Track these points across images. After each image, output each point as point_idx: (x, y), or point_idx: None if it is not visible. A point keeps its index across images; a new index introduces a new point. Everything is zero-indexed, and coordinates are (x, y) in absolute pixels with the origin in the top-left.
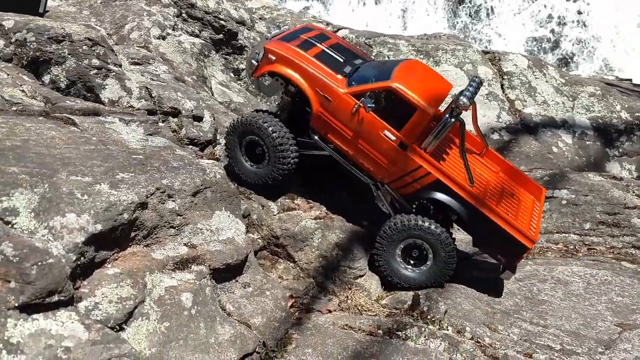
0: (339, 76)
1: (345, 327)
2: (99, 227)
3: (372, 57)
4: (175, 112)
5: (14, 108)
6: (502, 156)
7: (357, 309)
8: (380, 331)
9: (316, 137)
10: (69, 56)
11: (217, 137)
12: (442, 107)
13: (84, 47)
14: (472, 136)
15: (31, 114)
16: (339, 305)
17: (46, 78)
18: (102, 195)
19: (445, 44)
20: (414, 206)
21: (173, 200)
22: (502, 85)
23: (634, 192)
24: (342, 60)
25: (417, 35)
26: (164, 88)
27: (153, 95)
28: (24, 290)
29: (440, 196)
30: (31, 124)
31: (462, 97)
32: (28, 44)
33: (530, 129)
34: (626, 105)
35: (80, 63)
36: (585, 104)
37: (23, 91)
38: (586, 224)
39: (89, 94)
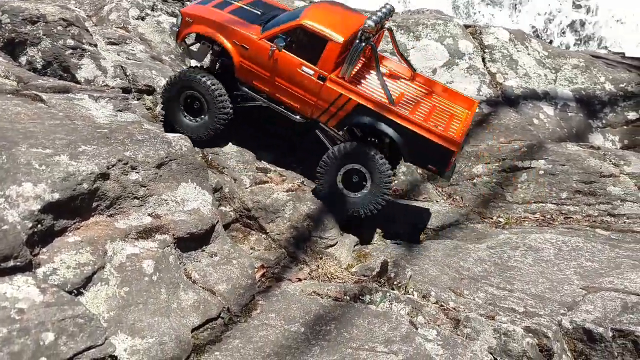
0: (254, 25)
1: (313, 294)
2: (57, 195)
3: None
4: (150, 90)
5: None
6: (431, 79)
7: (327, 276)
8: (346, 297)
9: (245, 88)
10: (44, 37)
11: None
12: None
13: (59, 28)
14: (398, 63)
15: (0, 92)
16: (310, 274)
17: (23, 59)
18: (61, 165)
19: (426, 19)
20: (342, 133)
21: (137, 172)
22: (483, 59)
23: (610, 161)
24: (259, 13)
25: (401, 11)
26: (139, 67)
27: (127, 73)
28: None
29: (364, 119)
30: None
31: (367, 21)
32: (3, 25)
33: (511, 102)
34: (610, 77)
35: (55, 43)
36: (568, 75)
37: None
38: (563, 193)
39: (65, 74)
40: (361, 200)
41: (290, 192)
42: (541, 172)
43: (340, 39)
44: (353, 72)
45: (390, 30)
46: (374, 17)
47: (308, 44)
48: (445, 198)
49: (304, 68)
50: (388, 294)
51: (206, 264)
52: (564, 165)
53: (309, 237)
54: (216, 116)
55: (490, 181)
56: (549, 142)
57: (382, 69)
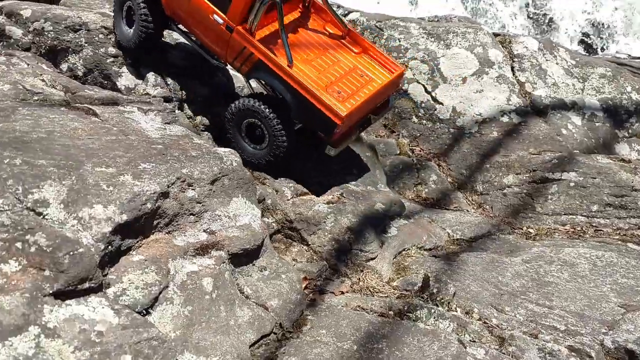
0: None
1: (358, 309)
2: (125, 217)
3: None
4: (190, 99)
5: (35, 98)
6: (364, 39)
7: (369, 290)
8: (391, 312)
9: (174, 26)
10: (86, 45)
11: None
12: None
13: (100, 36)
14: (333, 20)
15: (53, 104)
16: (351, 287)
17: (64, 66)
18: (127, 186)
19: (456, 27)
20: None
21: (193, 189)
22: (512, 68)
23: None
24: None
25: (427, 17)
26: (178, 75)
27: (168, 82)
28: (57, 278)
29: (262, 75)
30: (54, 115)
31: None
32: (46, 33)
33: (539, 112)
34: (637, 86)
35: (97, 51)
36: (596, 85)
37: (43, 80)
38: (593, 205)
39: (105, 82)
40: (260, 153)
41: (330, 204)
42: (572, 184)
43: None
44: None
45: None
46: None
47: None
48: (475, 207)
49: (215, 16)
50: (433, 310)
51: (257, 279)
52: (595, 178)
53: (350, 249)
54: (138, 30)
55: (520, 192)
56: (579, 155)
57: (318, 26)
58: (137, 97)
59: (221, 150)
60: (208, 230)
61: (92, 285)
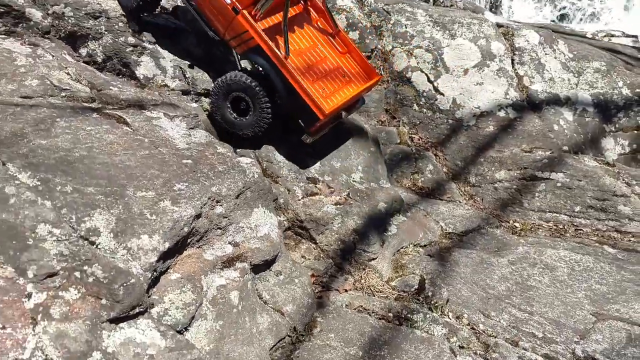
0: None
1: (361, 310)
2: (167, 244)
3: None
4: (208, 93)
5: (63, 94)
6: (351, 41)
7: (370, 289)
8: (390, 314)
9: None
10: (106, 32)
11: None
12: None
13: (120, 24)
14: (327, 19)
15: (84, 108)
16: (354, 285)
17: (83, 51)
18: (167, 213)
19: (462, 17)
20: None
21: (221, 205)
22: (512, 61)
23: (623, 180)
24: None
25: (432, 0)
26: (197, 68)
27: (187, 75)
28: (114, 307)
29: (258, 59)
30: (90, 127)
31: None
32: (66, 18)
33: (535, 106)
34: (628, 82)
35: (116, 40)
36: (590, 80)
37: (68, 74)
38: (577, 206)
39: (124, 69)
40: (244, 124)
41: (338, 206)
42: (559, 184)
43: None
44: (278, 19)
45: None
46: None
47: None
48: (467, 199)
49: None
50: (427, 315)
51: (273, 284)
52: (580, 180)
53: (354, 249)
54: None
55: (510, 187)
56: (568, 156)
57: (312, 22)
58: (159, 94)
59: (243, 161)
60: (233, 242)
61: (141, 309)
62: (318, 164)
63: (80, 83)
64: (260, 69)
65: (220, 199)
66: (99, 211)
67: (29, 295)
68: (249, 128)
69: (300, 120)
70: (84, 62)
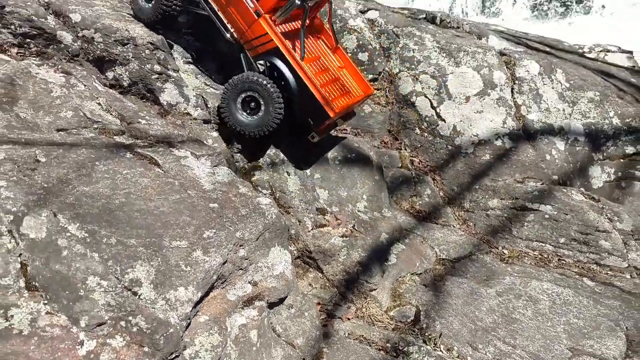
0: None
1: (362, 340)
2: (199, 294)
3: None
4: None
5: (95, 126)
6: (348, 57)
7: (370, 319)
8: (388, 344)
9: None
10: (133, 59)
11: (263, 147)
12: None
13: (147, 52)
14: (328, 34)
15: (118, 146)
16: (356, 313)
17: (110, 74)
18: (199, 264)
19: (468, 45)
20: (260, 66)
21: (243, 248)
22: (512, 90)
23: (606, 216)
24: None
25: (440, 16)
26: (217, 96)
27: (209, 105)
28: (155, 354)
29: (275, 60)
30: (126, 171)
31: None
32: (95, 43)
33: (529, 136)
34: (619, 111)
35: (142, 66)
36: (583, 109)
37: (99, 104)
38: (561, 238)
39: (148, 94)
40: (253, 123)
41: (345, 238)
42: (547, 216)
43: None
44: (291, 26)
45: (330, 3)
46: None
47: None
48: (460, 223)
49: (248, 0)
50: (422, 348)
51: (285, 317)
52: (567, 214)
53: (357, 279)
54: (160, 4)
55: (501, 215)
56: (557, 189)
57: (317, 35)
58: (182, 122)
59: (262, 202)
60: (252, 281)
61: (177, 354)
62: (327, 193)
63: (111, 114)
64: (274, 69)
65: (243, 242)
66: (140, 262)
67: (82, 343)
68: (259, 127)
69: (310, 119)
70: (110, 85)
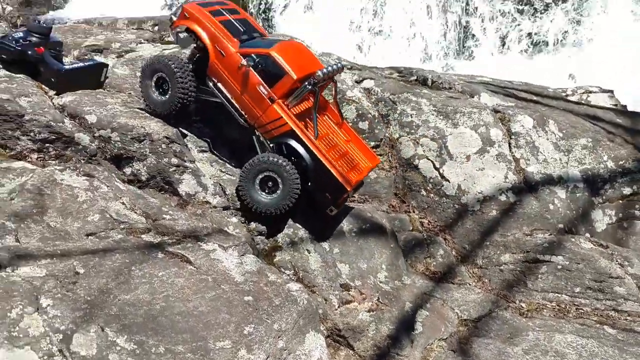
0: (235, 39)
1: None
2: None
3: (270, 38)
4: (245, 207)
5: (122, 227)
6: (364, 131)
7: None
8: None
9: (211, 84)
10: (150, 154)
11: (279, 226)
12: None
13: (163, 146)
14: (333, 110)
15: (148, 246)
16: None
17: (127, 170)
18: None
19: (463, 107)
20: (273, 147)
21: (281, 339)
22: (509, 145)
23: (617, 262)
24: (241, 30)
25: (431, 78)
26: (234, 183)
27: (227, 192)
28: None
29: (291, 142)
30: (162, 273)
31: (318, 72)
32: (112, 142)
33: (531, 188)
34: (612, 155)
35: (160, 160)
36: (579, 156)
37: (124, 204)
38: (576, 287)
39: (167, 187)
40: (272, 202)
41: (371, 312)
42: (559, 267)
43: (295, 76)
44: (299, 107)
45: (335, 82)
46: (324, 71)
47: (270, 70)
48: (476, 280)
49: (261, 87)
50: None
51: None
52: (579, 263)
53: (388, 352)
54: (177, 94)
55: (515, 269)
56: (565, 239)
57: (323, 112)
58: (202, 212)
59: (293, 288)
60: None
61: None
62: (348, 267)
63: (135, 212)
64: (290, 150)
65: (281, 333)
66: None
67: None
68: (278, 205)
69: (327, 194)
70: (128, 180)
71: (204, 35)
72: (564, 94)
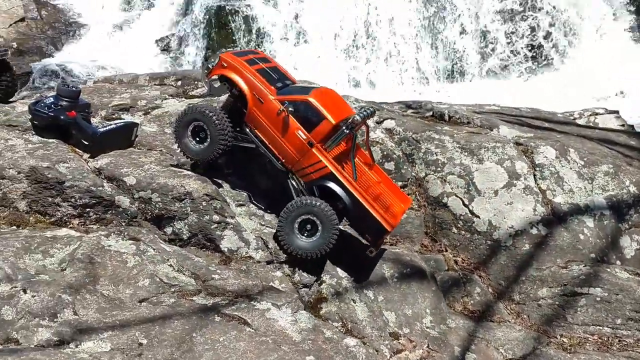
0: (272, 87)
1: None
2: None
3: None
4: (290, 261)
5: (172, 290)
6: (391, 171)
7: None
8: None
9: (248, 130)
10: (191, 212)
11: (322, 277)
12: None
13: (203, 204)
14: (365, 153)
15: (204, 310)
16: None
17: (168, 230)
18: None
19: (486, 141)
20: (315, 191)
21: None
22: (535, 177)
23: None
24: (275, 78)
25: (447, 113)
26: (276, 238)
27: (269, 246)
28: None
29: (331, 184)
30: (223, 338)
31: (357, 116)
32: (153, 203)
33: (560, 219)
34: (634, 180)
35: (201, 218)
36: (602, 183)
37: (171, 265)
38: (617, 319)
39: (208, 243)
40: (311, 245)
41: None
42: (598, 298)
43: (333, 121)
44: (334, 150)
45: (367, 125)
46: (361, 114)
47: (308, 115)
48: (514, 317)
49: (300, 132)
50: None
51: None
52: (617, 294)
53: None
54: (217, 139)
55: (553, 303)
56: (601, 270)
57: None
58: (247, 266)
59: (350, 344)
60: None
61: None
62: (394, 315)
63: (184, 274)
64: (329, 192)
65: None
66: None
67: None
68: (317, 248)
69: (367, 235)
70: (169, 239)
71: (242, 83)
72: (571, 118)
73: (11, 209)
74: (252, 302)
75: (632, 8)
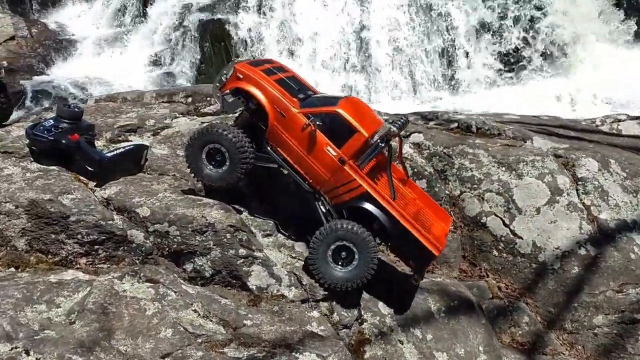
0: (294, 99)
1: None
2: None
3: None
4: (326, 298)
5: (199, 340)
6: (423, 190)
7: None
8: None
9: (269, 148)
10: (214, 247)
11: (363, 314)
12: None
13: (228, 236)
14: (398, 168)
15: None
16: None
17: (188, 267)
18: None
19: (525, 155)
20: (344, 213)
21: None
22: (577, 192)
23: None
24: (296, 89)
25: (475, 124)
26: (309, 270)
27: (304, 283)
28: None
29: (367, 205)
30: None
31: (392, 126)
32: (171, 237)
33: (608, 237)
34: None
35: (225, 253)
36: None
37: (196, 311)
38: None
39: (234, 281)
40: (348, 275)
41: None
42: None
43: (366, 133)
44: (367, 167)
45: (400, 137)
46: (397, 125)
47: (338, 129)
48: (568, 348)
49: (329, 148)
50: None
51: None
52: None
53: None
54: (237, 165)
55: (610, 332)
56: None
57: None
58: (279, 307)
59: None
60: None
61: None
62: (446, 355)
63: (211, 321)
64: (366, 214)
65: None
66: None
67: None
68: (355, 279)
69: (411, 261)
70: (189, 277)
71: (261, 96)
72: (594, 125)
73: (9, 248)
74: (293, 354)
75: None
